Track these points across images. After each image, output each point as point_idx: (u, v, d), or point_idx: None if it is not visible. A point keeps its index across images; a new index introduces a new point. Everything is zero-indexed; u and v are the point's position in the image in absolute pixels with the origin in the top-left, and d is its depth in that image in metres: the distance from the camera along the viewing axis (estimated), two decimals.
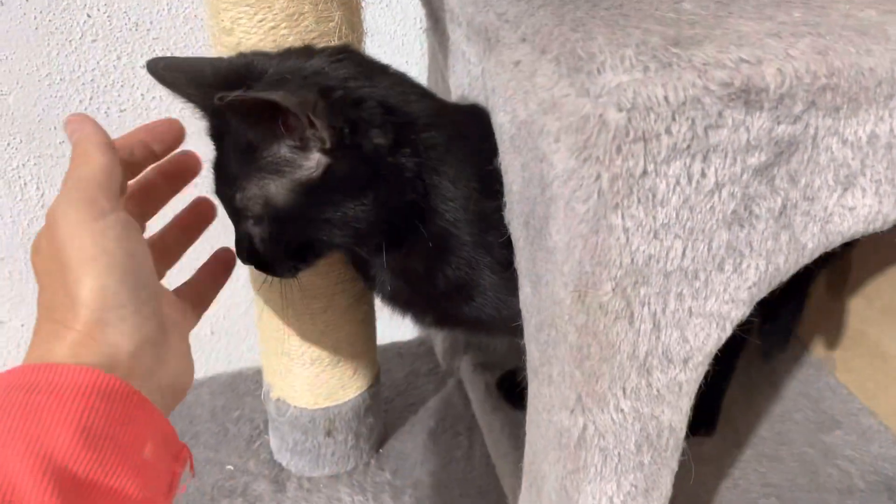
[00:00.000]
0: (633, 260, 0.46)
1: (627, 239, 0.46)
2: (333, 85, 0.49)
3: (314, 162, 0.49)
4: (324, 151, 0.49)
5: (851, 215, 0.49)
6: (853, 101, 0.45)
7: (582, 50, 0.44)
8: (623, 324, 0.49)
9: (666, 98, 0.41)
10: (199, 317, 0.54)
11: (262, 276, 0.68)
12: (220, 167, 0.53)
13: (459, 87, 0.63)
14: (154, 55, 0.85)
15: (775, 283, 0.50)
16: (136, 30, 0.83)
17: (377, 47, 0.62)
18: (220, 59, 0.54)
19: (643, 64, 0.42)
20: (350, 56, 0.53)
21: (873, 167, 0.47)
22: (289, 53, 0.54)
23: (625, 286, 0.47)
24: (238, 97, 0.44)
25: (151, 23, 0.83)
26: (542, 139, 0.45)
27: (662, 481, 0.58)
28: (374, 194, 0.51)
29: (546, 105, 0.45)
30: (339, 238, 0.53)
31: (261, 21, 0.56)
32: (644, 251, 0.46)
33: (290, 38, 0.57)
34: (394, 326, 1.09)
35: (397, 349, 1.04)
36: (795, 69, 0.43)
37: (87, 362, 0.39)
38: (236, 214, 0.53)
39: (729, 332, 0.51)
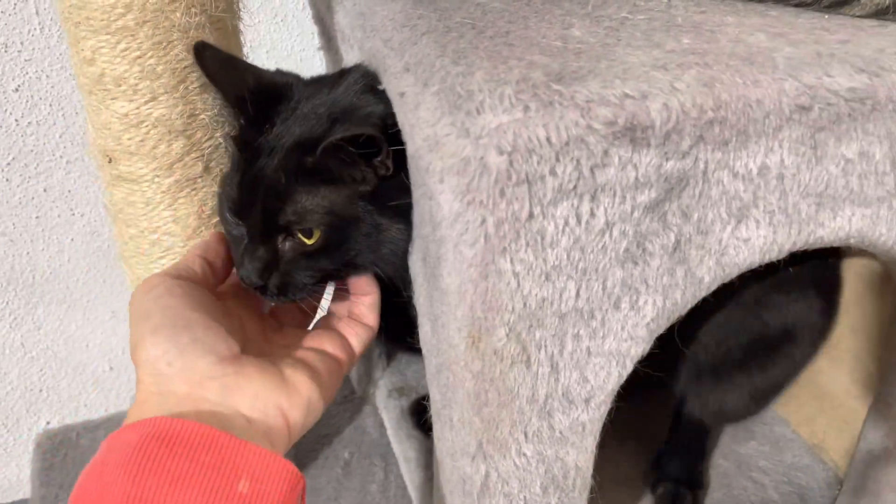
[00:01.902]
0: (525, 304, 0.44)
1: (518, 283, 0.43)
2: (382, 115, 0.51)
3: (370, 176, 0.50)
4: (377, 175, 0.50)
5: (746, 247, 0.48)
6: (742, 134, 0.43)
7: (461, 87, 0.42)
8: (520, 368, 0.47)
9: (548, 139, 0.39)
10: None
11: None
12: (250, 181, 0.51)
13: None
14: (27, 78, 0.79)
15: (674, 318, 0.49)
16: (6, 51, 0.77)
17: (276, 63, 0.58)
18: (262, 71, 0.56)
19: (523, 103, 0.39)
20: (366, 83, 0.53)
21: (765, 198, 0.46)
22: (316, 84, 0.55)
23: (519, 330, 0.45)
24: (341, 139, 0.46)
25: (22, 43, 0.77)
26: (429, 177, 0.43)
27: None
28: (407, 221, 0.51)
29: (430, 142, 0.43)
30: (369, 257, 0.53)
31: (125, 50, 0.52)
32: (536, 294, 0.44)
33: (158, 67, 0.53)
34: None
35: None
36: (681, 103, 0.41)
37: (148, 415, 0.42)
38: (272, 229, 0.51)
39: (630, 368, 0.50)
